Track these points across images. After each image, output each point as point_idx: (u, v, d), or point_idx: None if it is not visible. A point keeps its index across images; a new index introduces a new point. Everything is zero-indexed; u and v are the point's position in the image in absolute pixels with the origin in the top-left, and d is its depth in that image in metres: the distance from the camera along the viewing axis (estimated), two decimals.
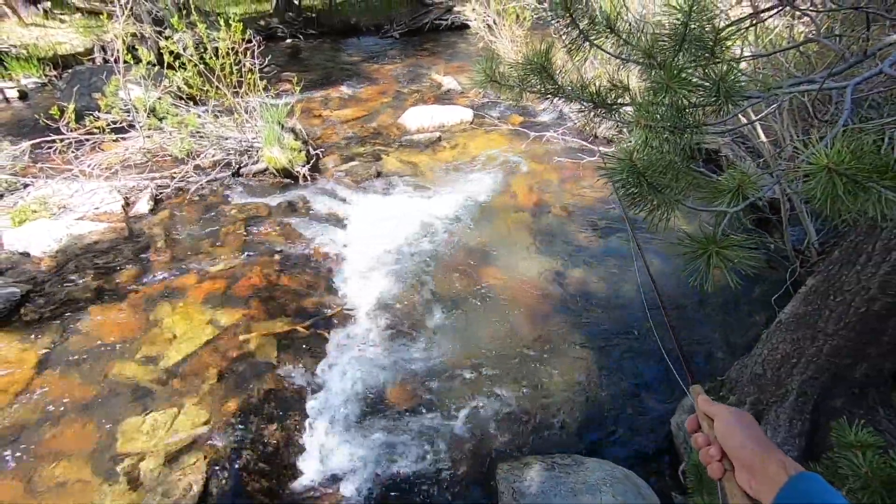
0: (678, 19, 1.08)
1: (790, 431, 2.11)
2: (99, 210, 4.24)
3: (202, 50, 4.89)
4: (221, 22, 4.81)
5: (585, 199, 4.53)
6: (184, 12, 7.25)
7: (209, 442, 2.50)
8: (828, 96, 2.52)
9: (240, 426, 2.57)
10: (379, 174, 5.02)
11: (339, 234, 4.11)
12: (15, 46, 7.70)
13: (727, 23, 1.16)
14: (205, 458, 2.42)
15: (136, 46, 5.21)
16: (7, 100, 6.87)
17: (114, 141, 4.96)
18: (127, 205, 4.36)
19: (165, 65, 4.81)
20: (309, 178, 4.84)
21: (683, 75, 0.99)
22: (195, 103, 5.39)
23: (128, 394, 2.73)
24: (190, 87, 5.00)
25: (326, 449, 2.47)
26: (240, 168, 4.92)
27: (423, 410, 2.67)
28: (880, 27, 1.67)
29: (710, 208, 0.97)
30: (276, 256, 3.81)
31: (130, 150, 4.98)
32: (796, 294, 2.23)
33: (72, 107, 4.67)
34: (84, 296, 3.39)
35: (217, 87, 4.93)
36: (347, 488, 2.31)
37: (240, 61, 5.01)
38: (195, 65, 4.90)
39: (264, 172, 4.91)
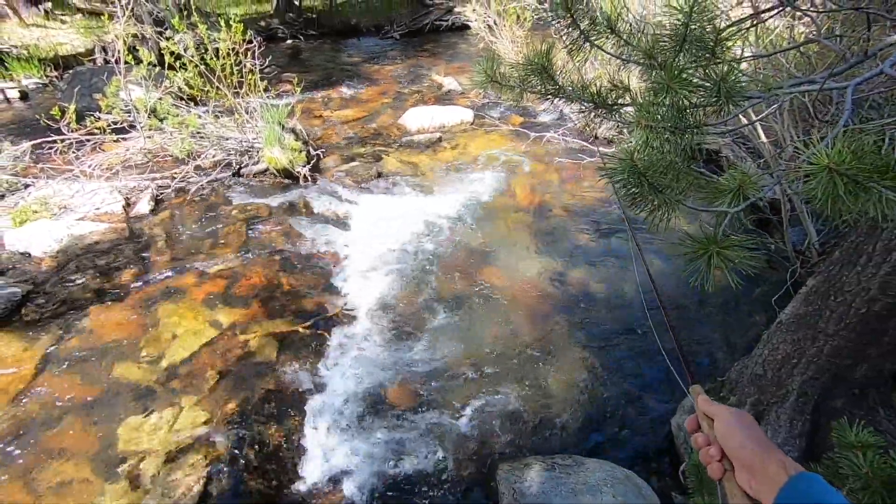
0: (679, 20, 1.08)
1: (790, 432, 2.11)
2: (100, 210, 4.25)
3: (203, 51, 4.90)
4: (222, 23, 4.81)
5: (586, 200, 4.53)
6: (184, 13, 7.26)
7: (210, 442, 2.50)
8: (828, 97, 2.52)
9: (240, 426, 2.57)
10: (379, 174, 5.02)
11: (339, 234, 4.11)
12: (16, 47, 7.71)
13: (728, 23, 1.16)
14: (205, 458, 2.42)
15: (137, 47, 5.22)
16: (8, 100, 6.88)
17: (114, 141, 4.96)
18: (128, 205, 4.36)
19: (166, 65, 4.82)
20: (309, 178, 4.84)
21: (684, 76, 0.99)
22: (196, 104, 5.40)
23: (128, 394, 2.73)
24: (191, 87, 5.01)
25: (327, 449, 2.47)
26: (240, 168, 4.92)
27: (424, 410, 2.67)
28: (881, 27, 1.67)
29: (711, 209, 0.97)
30: (277, 257, 3.81)
31: (131, 150, 4.98)
32: (797, 294, 2.23)
33: (73, 107, 4.67)
34: (85, 296, 3.39)
35: (218, 87, 4.94)
36: (348, 488, 2.31)
37: (240, 62, 5.02)
38: (196, 65, 4.90)
39: (265, 173, 4.92)
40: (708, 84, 1.01)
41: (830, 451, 1.09)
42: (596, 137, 5.57)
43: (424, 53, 9.46)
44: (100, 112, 4.86)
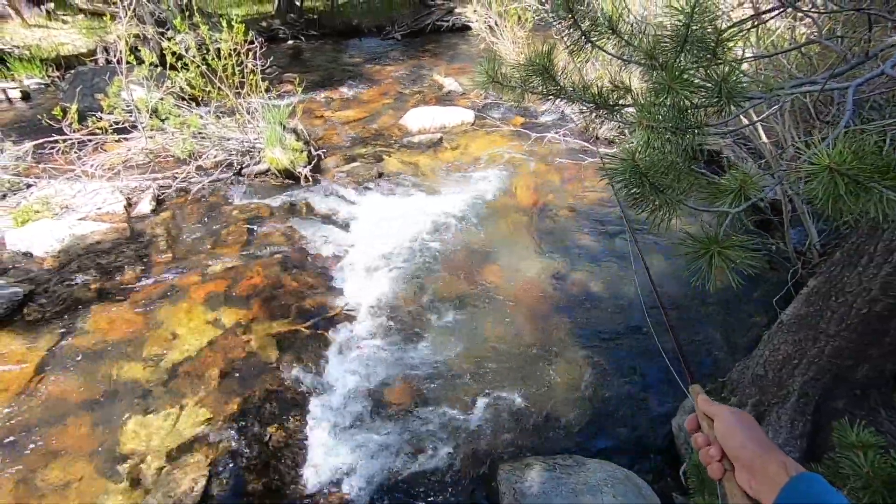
0: (680, 20, 1.08)
1: (791, 433, 2.11)
2: (101, 210, 4.26)
3: (204, 51, 4.91)
4: (223, 23, 4.82)
5: (587, 200, 4.53)
6: (186, 14, 7.27)
7: (211, 441, 2.50)
8: (829, 97, 2.52)
9: (241, 426, 2.58)
10: (380, 175, 5.02)
11: (340, 234, 4.12)
12: (18, 47, 7.73)
13: (729, 24, 1.17)
14: (206, 457, 2.42)
15: (139, 47, 5.22)
16: (10, 100, 6.90)
17: (116, 141, 4.97)
18: (129, 205, 4.37)
19: (168, 66, 4.83)
20: (311, 178, 4.85)
21: (685, 76, 0.99)
22: (197, 104, 5.41)
23: (130, 393, 2.74)
24: (192, 87, 5.02)
25: (328, 448, 2.48)
26: (242, 169, 4.93)
27: (425, 410, 2.67)
28: (882, 28, 1.67)
29: (712, 209, 0.97)
30: (278, 257, 3.82)
31: (133, 150, 4.99)
32: (798, 295, 2.23)
33: (74, 107, 4.68)
34: (86, 296, 3.40)
35: (219, 87, 4.95)
36: (349, 488, 2.31)
37: (242, 62, 5.03)
38: (197, 66, 4.91)
39: (266, 173, 4.92)
40: (709, 85, 1.01)
41: (832, 451, 1.09)
42: (597, 138, 5.57)
43: (425, 54, 9.47)
44: (102, 112, 4.87)
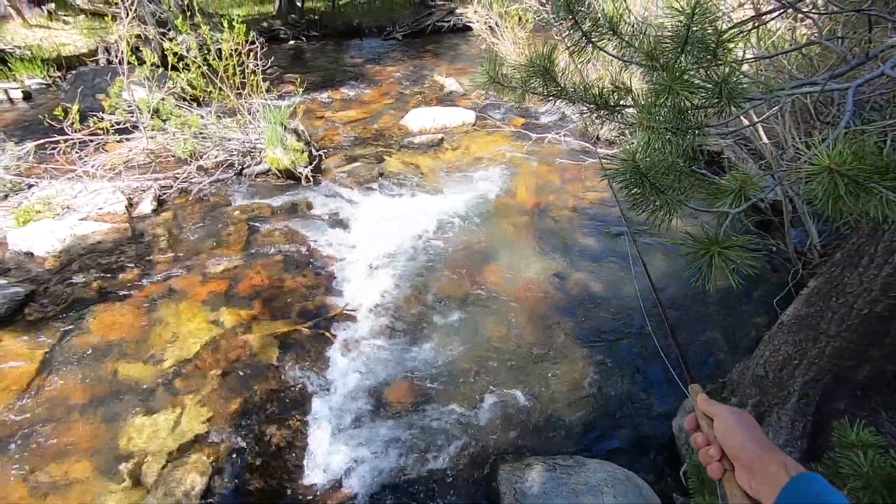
0: (681, 21, 1.08)
1: (792, 433, 2.11)
2: (102, 210, 4.26)
3: (206, 51, 4.91)
4: (225, 24, 4.83)
5: (587, 201, 4.53)
6: (187, 14, 7.28)
7: (212, 441, 2.50)
8: (830, 98, 2.52)
9: (242, 426, 2.58)
10: (381, 175, 5.03)
11: (341, 234, 4.12)
12: (19, 47, 7.74)
13: (729, 25, 1.17)
14: (207, 457, 2.42)
15: (140, 48, 5.23)
16: (11, 101, 6.91)
17: (117, 142, 4.98)
18: (130, 205, 4.38)
19: (169, 66, 4.84)
20: (311, 178, 4.85)
21: (686, 77, 0.99)
22: (198, 104, 5.42)
23: (131, 393, 2.74)
24: (193, 88, 5.02)
25: (329, 448, 2.48)
26: (243, 169, 4.93)
27: (425, 411, 2.67)
28: (882, 29, 1.67)
29: (713, 209, 0.98)
30: (279, 257, 3.82)
31: (134, 150, 5.00)
32: (798, 295, 2.23)
33: (76, 108, 4.69)
34: (87, 296, 3.41)
35: (220, 88, 4.95)
36: (349, 488, 2.31)
37: (243, 63, 5.03)
38: (199, 66, 4.92)
39: (267, 173, 4.93)
40: (709, 85, 1.01)
41: (832, 452, 1.09)
42: (598, 139, 5.57)
43: (426, 54, 9.48)
44: (103, 112, 4.88)
